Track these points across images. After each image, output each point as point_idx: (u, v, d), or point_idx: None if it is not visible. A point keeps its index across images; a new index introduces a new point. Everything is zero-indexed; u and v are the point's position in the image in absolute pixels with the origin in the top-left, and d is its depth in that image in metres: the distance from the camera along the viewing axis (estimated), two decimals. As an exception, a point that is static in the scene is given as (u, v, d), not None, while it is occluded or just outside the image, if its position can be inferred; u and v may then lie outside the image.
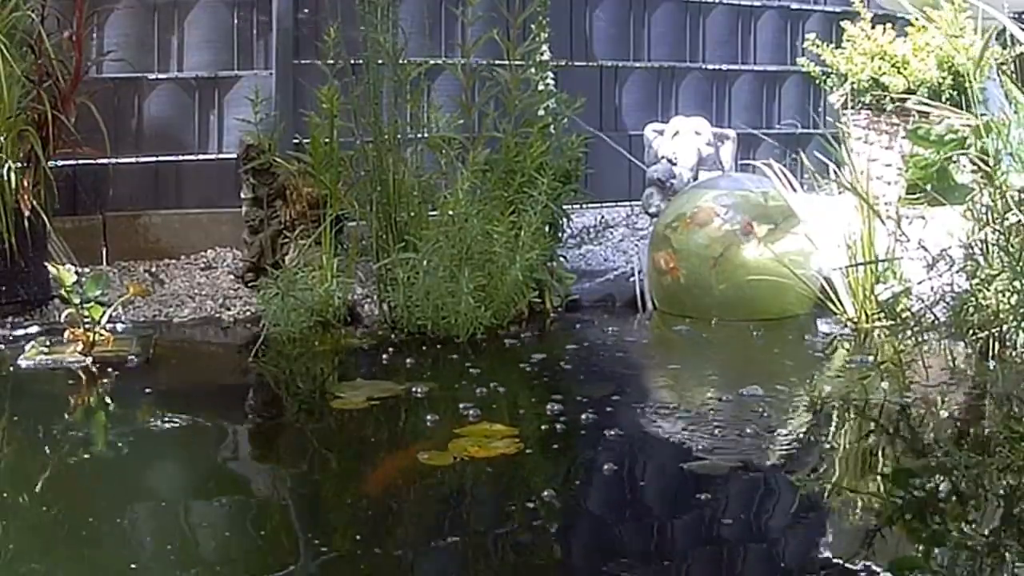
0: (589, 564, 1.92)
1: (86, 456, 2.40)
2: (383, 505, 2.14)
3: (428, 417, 2.56)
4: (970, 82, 3.52)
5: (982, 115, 3.07)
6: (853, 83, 4.40)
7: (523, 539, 1.97)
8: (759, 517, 2.09)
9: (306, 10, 4.22)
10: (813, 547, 1.91)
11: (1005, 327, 2.95)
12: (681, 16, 5.17)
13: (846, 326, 3.43)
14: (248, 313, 3.54)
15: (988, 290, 2.94)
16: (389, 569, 1.86)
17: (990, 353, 2.99)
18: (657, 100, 5.11)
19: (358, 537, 1.97)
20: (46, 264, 3.25)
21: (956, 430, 2.56)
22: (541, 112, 3.68)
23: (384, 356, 3.15)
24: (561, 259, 3.76)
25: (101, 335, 3.05)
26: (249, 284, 3.74)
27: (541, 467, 2.35)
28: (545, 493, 2.10)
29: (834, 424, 2.66)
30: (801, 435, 2.57)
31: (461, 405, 2.61)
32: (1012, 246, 2.92)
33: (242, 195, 3.81)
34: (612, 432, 2.47)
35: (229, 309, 3.59)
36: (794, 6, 5.45)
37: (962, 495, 2.14)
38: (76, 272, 3.09)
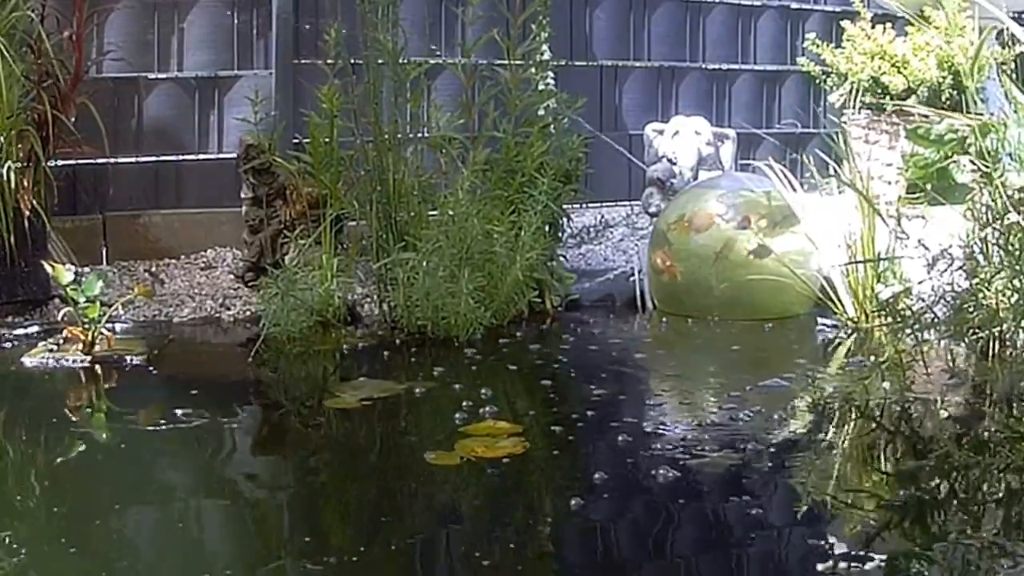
0: (593, 567, 1.92)
1: (84, 451, 2.40)
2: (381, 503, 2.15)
3: (427, 417, 2.56)
4: (963, 81, 3.52)
5: (979, 115, 3.07)
6: (853, 83, 4.41)
7: (534, 538, 1.98)
8: (762, 517, 2.09)
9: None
10: (816, 546, 1.91)
11: (1005, 326, 2.95)
12: (681, 16, 5.18)
13: (846, 326, 3.43)
14: (248, 313, 3.54)
15: (988, 289, 2.94)
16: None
17: (990, 353, 2.99)
18: (657, 100, 5.11)
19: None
20: (44, 263, 3.25)
21: (956, 430, 2.56)
22: (541, 112, 3.68)
23: (384, 356, 3.15)
24: (561, 259, 3.75)
25: (101, 335, 3.05)
26: (249, 284, 3.74)
27: (550, 466, 2.35)
28: (555, 492, 2.10)
29: (834, 423, 2.66)
30: (801, 435, 2.57)
31: (463, 404, 2.60)
32: (1012, 245, 2.92)
33: (242, 195, 3.81)
34: (614, 433, 2.47)
35: (229, 309, 3.59)
36: (794, 6, 5.45)
37: (962, 495, 2.14)
38: (75, 272, 3.09)
